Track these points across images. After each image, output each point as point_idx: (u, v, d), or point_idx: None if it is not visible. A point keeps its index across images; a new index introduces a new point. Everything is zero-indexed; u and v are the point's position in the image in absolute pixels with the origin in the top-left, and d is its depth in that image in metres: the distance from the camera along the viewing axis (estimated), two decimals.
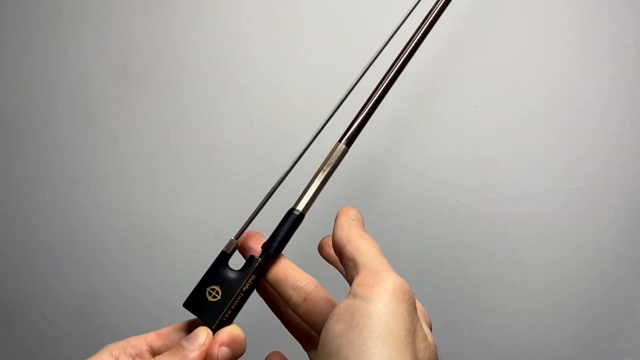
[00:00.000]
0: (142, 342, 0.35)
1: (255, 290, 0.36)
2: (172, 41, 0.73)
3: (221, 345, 0.33)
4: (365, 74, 0.41)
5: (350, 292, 0.27)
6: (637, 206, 0.61)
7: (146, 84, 0.74)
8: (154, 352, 0.35)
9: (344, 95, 0.40)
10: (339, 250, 0.32)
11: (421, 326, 0.28)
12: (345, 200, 0.66)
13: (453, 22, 0.64)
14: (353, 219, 0.33)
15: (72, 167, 0.78)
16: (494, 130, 0.63)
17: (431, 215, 0.65)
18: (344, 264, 0.31)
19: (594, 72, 0.61)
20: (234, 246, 0.36)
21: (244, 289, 0.34)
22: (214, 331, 0.34)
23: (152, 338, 0.36)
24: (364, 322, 0.25)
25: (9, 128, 0.81)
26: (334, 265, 0.37)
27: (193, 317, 0.36)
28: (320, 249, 0.38)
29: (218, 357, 0.33)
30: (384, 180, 0.65)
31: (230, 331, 0.33)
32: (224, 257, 0.35)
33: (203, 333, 0.33)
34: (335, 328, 0.26)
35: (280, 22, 0.69)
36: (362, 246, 0.30)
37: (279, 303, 0.39)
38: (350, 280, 0.29)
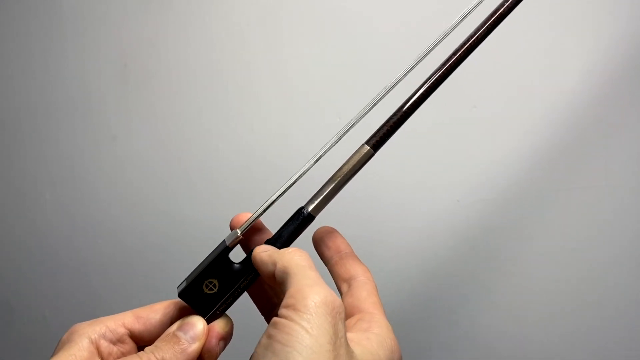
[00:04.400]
0: (119, 324, 0.33)
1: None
2: (172, 41, 0.73)
3: (220, 339, 0.32)
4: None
5: (278, 312, 0.28)
6: (637, 206, 0.60)
7: (146, 84, 0.74)
8: (135, 337, 0.33)
9: (382, 94, 0.35)
10: (270, 276, 0.31)
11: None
12: (345, 200, 0.66)
13: (452, 22, 0.63)
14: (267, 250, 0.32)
15: (72, 167, 0.78)
16: (494, 130, 0.63)
17: (431, 215, 0.65)
18: (279, 289, 0.30)
19: (594, 72, 0.61)
20: (237, 240, 0.34)
21: (242, 285, 0.34)
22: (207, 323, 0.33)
23: (129, 320, 0.33)
24: (288, 339, 0.26)
25: (9, 128, 0.81)
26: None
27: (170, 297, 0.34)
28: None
29: (218, 352, 0.32)
30: (384, 180, 0.65)
31: (225, 324, 0.33)
32: (225, 250, 0.34)
33: (199, 323, 0.32)
34: (263, 342, 0.27)
35: (280, 22, 0.69)
36: (289, 263, 0.30)
37: (266, 294, 0.37)
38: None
